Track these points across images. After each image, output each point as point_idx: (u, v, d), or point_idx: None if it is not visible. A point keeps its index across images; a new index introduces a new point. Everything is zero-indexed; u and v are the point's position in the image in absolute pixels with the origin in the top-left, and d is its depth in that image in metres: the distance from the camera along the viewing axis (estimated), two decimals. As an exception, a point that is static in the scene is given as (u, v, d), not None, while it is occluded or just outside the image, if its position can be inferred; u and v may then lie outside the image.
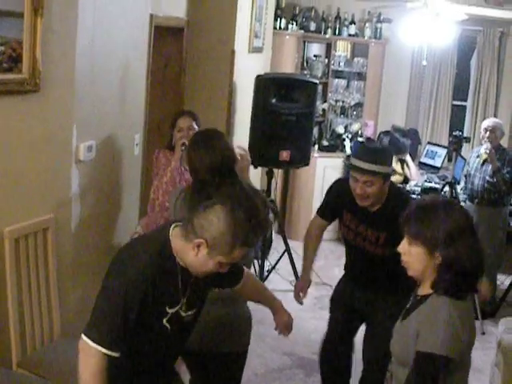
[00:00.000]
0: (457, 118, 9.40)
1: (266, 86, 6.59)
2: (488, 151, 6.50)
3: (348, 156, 8.55)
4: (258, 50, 7.52)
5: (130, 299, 2.60)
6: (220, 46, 6.45)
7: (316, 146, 8.57)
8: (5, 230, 3.59)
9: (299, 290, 4.42)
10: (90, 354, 2.63)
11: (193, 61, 6.33)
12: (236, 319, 3.56)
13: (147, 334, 2.77)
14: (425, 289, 2.73)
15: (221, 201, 2.62)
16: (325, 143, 8.78)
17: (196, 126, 4.82)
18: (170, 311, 2.77)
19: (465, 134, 8.57)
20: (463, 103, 9.40)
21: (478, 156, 6.82)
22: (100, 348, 2.60)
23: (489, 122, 6.88)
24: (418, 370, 2.58)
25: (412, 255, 2.69)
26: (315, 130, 8.28)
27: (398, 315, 2.90)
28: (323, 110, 8.90)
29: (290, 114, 6.63)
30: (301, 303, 4.43)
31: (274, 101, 6.61)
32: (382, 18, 8.94)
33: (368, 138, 8.64)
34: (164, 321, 2.76)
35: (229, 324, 3.51)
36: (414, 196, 7.16)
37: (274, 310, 3.38)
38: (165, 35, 5.79)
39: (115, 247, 4.87)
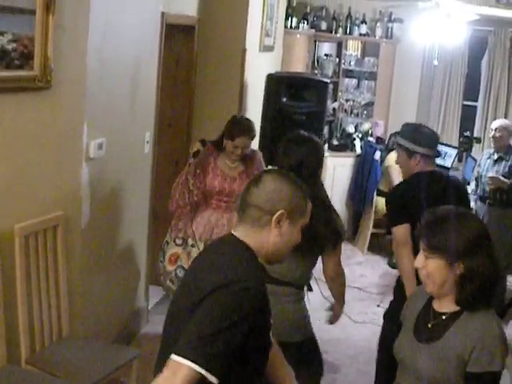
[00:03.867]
0: (467, 118, 9.36)
1: (277, 84, 6.59)
2: (490, 181, 6.58)
3: (358, 155, 8.55)
4: (269, 48, 7.51)
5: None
6: (231, 45, 6.44)
7: (326, 146, 8.55)
8: (15, 226, 3.58)
9: None
10: (180, 372, 2.07)
11: (204, 59, 6.32)
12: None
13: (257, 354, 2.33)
14: (445, 305, 2.66)
15: (263, 175, 2.43)
16: (335, 142, 8.76)
17: (250, 146, 5.07)
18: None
19: (475, 135, 8.56)
20: (474, 103, 9.37)
21: (488, 158, 6.84)
22: (195, 366, 2.06)
23: (498, 122, 6.99)
24: None
25: (431, 268, 2.59)
26: (325, 130, 8.27)
27: None
28: (333, 109, 8.88)
29: (300, 113, 6.63)
30: None
31: (284, 100, 6.61)
32: (393, 17, 8.93)
33: (378, 138, 8.63)
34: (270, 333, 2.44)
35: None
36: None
37: None
38: (176, 33, 5.79)
39: (124, 245, 4.87)
